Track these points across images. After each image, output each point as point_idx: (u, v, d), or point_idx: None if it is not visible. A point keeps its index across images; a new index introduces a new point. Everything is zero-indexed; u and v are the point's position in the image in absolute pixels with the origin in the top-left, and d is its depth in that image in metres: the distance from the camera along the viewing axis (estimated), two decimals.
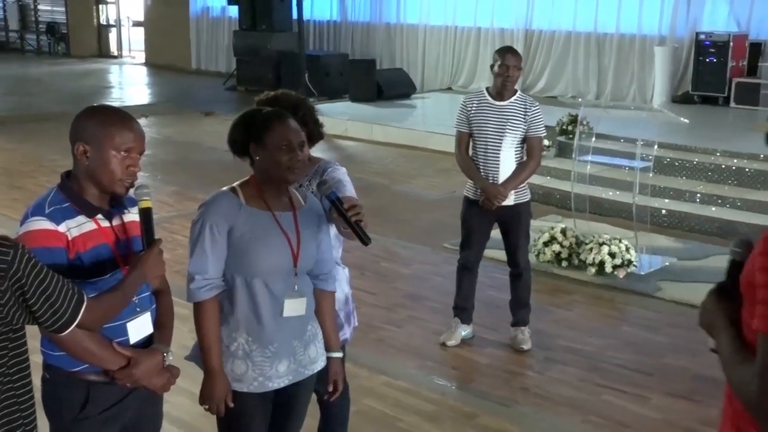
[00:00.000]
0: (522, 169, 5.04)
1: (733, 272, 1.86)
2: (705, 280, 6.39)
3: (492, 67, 5.09)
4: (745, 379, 1.66)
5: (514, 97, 5.06)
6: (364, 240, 2.86)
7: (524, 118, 5.03)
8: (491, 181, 5.04)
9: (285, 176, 2.76)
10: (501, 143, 5.02)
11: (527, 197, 5.21)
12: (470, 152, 5.17)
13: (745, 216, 7.78)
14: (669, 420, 4.44)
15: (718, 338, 1.79)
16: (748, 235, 6.96)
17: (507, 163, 5.03)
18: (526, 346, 5.24)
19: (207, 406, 2.82)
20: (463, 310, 5.37)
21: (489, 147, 5.05)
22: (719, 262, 6.85)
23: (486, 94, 5.14)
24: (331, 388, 3.06)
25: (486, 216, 5.13)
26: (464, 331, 5.38)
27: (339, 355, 3.07)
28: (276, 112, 2.85)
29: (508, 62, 4.97)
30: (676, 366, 5.06)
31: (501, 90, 5.05)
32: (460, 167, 5.31)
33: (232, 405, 2.80)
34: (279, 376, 2.86)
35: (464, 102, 5.25)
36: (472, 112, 5.11)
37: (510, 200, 5.05)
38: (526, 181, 5.13)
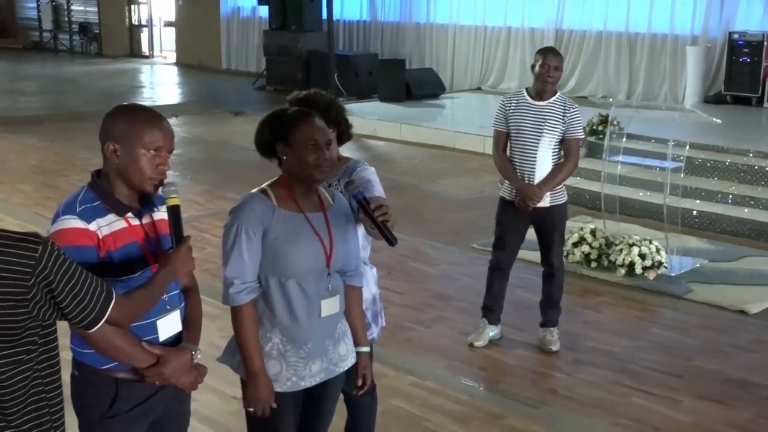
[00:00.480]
0: (559, 170, 5.02)
1: None
2: (737, 282, 6.34)
3: (533, 67, 5.06)
4: None
5: (554, 98, 5.04)
6: (391, 240, 2.86)
7: (563, 119, 5.00)
8: (527, 182, 5.02)
9: (313, 175, 2.76)
10: (538, 143, 4.99)
11: (564, 199, 5.18)
12: (507, 152, 5.16)
13: None
14: (699, 423, 4.40)
15: None
16: None
17: (544, 163, 5.01)
18: (555, 348, 5.22)
19: (252, 409, 2.81)
20: (491, 311, 5.35)
21: (526, 147, 5.03)
22: (751, 264, 6.79)
23: (525, 94, 5.12)
24: (360, 382, 3.06)
25: (521, 217, 5.11)
26: (492, 332, 5.36)
27: (367, 349, 3.07)
28: (301, 111, 2.85)
29: (550, 62, 4.95)
30: (706, 369, 5.02)
31: (541, 90, 5.03)
32: (497, 167, 5.31)
33: (275, 406, 2.80)
34: (312, 375, 2.86)
35: (503, 101, 5.25)
36: (511, 111, 5.11)
37: (546, 202, 5.03)
38: (562, 183, 5.11)
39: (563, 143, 5.04)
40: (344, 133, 3.31)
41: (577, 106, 5.16)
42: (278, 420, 2.88)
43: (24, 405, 2.02)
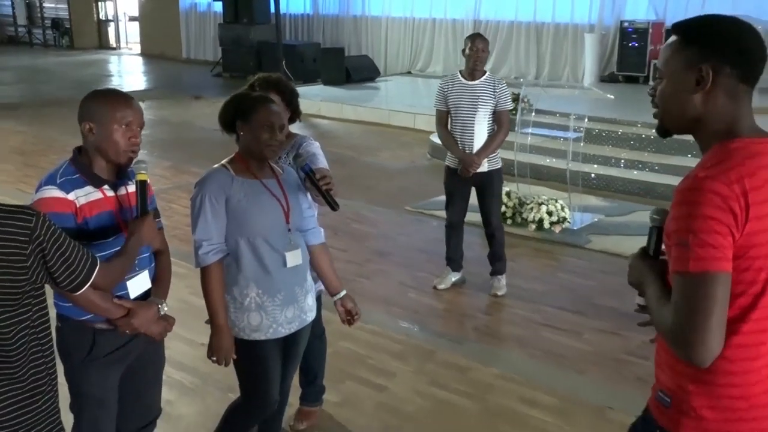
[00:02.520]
0: (492, 139, 5.07)
1: (652, 237, 1.88)
2: (629, 233, 6.50)
3: (464, 51, 5.11)
4: (665, 314, 1.67)
5: (484, 77, 5.09)
6: (333, 206, 2.94)
7: (493, 95, 5.05)
8: (468, 151, 5.06)
9: (263, 152, 2.77)
10: (474, 117, 5.04)
11: (499, 165, 5.23)
12: (449, 127, 5.19)
13: (663, 178, 7.89)
14: (598, 351, 4.52)
15: (647, 290, 1.80)
16: (665, 195, 7.09)
17: (480, 134, 5.06)
18: (501, 292, 5.31)
19: (215, 359, 2.79)
20: (453, 261, 5.45)
21: (464, 121, 5.08)
22: (641, 217, 6.97)
23: (459, 76, 5.14)
24: (350, 318, 3.10)
25: (464, 181, 5.17)
26: (455, 277, 5.46)
27: (344, 292, 3.08)
28: (262, 96, 2.87)
29: (477, 45, 5.01)
30: (604, 306, 5.13)
31: (472, 70, 5.07)
32: (441, 141, 5.36)
33: (235, 357, 2.81)
34: (288, 322, 2.87)
35: (441, 84, 5.27)
36: (448, 91, 5.14)
37: (484, 167, 5.09)
38: (497, 150, 5.16)
39: (495, 115, 5.09)
40: (296, 114, 3.35)
41: (504, 83, 5.21)
42: (268, 364, 2.89)
43: (25, 357, 2.00)
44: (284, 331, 2.86)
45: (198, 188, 2.75)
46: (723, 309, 1.60)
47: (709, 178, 1.60)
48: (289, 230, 2.83)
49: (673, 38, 1.76)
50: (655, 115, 1.82)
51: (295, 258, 2.83)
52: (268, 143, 2.74)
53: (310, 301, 2.97)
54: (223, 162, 2.82)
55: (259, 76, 3.33)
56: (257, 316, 2.80)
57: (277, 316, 2.83)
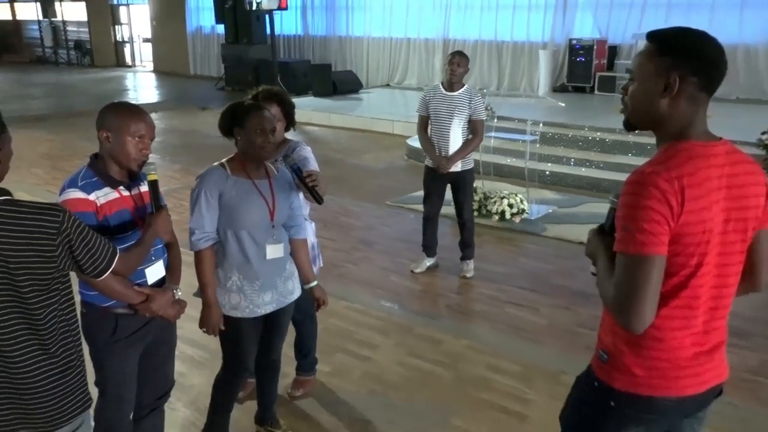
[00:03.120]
0: (466, 145, 5.03)
1: (609, 216, 1.88)
2: (578, 222, 6.53)
3: (445, 66, 5.09)
4: (608, 286, 1.71)
5: (462, 89, 5.04)
6: (318, 200, 2.96)
7: (469, 105, 5.01)
8: (443, 154, 5.03)
9: (259, 154, 2.74)
10: (450, 124, 5.01)
11: (471, 165, 5.20)
12: (429, 132, 5.16)
13: (607, 174, 7.93)
14: (553, 324, 4.54)
15: (598, 262, 1.82)
16: (613, 188, 7.12)
17: (455, 139, 5.03)
18: (470, 275, 5.32)
19: (205, 329, 2.81)
20: (428, 248, 5.44)
21: (442, 127, 5.04)
22: (589, 208, 7.01)
23: (441, 87, 5.10)
24: (318, 305, 3.09)
25: (440, 179, 5.15)
26: (429, 262, 5.46)
27: (316, 283, 3.07)
28: (254, 104, 2.83)
29: (453, 61, 4.97)
30: (558, 285, 5.16)
31: (449, 83, 5.03)
32: (420, 143, 5.33)
33: (223, 328, 2.81)
34: (265, 303, 2.86)
35: (424, 93, 5.23)
36: (429, 100, 5.11)
37: (458, 167, 5.08)
38: (470, 154, 5.12)
39: (470, 123, 5.06)
40: (291, 124, 3.32)
41: (480, 95, 5.17)
42: (242, 338, 2.90)
43: (56, 336, 2.00)
44: (261, 311, 2.85)
45: (198, 182, 2.74)
46: (657, 286, 1.63)
47: (653, 173, 1.62)
48: (273, 227, 2.80)
49: (648, 45, 1.74)
50: (622, 111, 1.82)
51: (275, 251, 2.82)
52: (261, 146, 2.72)
53: (290, 285, 2.95)
54: (222, 160, 2.80)
55: (264, 88, 3.30)
56: (237, 296, 2.80)
57: (254, 299, 2.82)
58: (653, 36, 1.73)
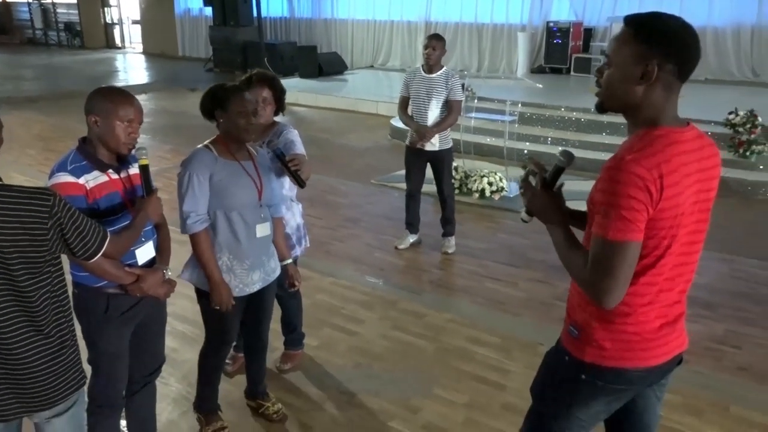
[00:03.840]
0: (444, 120, 5.03)
1: (555, 174, 1.89)
2: None
3: (423, 48, 5.08)
4: (577, 262, 1.72)
5: (440, 71, 5.03)
6: (300, 183, 2.96)
7: (446, 86, 5.00)
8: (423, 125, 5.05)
9: (242, 135, 2.70)
10: (429, 104, 5.01)
11: (449, 145, 5.20)
12: (409, 111, 5.14)
13: (583, 153, 7.91)
14: (531, 297, 4.56)
15: (554, 230, 1.83)
16: (589, 166, 7.14)
17: (433, 118, 5.04)
18: (451, 250, 5.32)
19: (218, 307, 2.76)
20: (411, 225, 5.44)
21: (421, 107, 5.05)
22: (565, 186, 7.01)
23: (421, 69, 5.10)
24: (290, 283, 3.07)
25: (420, 158, 5.14)
26: (412, 238, 5.45)
27: (290, 261, 3.07)
28: (235, 86, 2.77)
29: (429, 45, 4.98)
30: (536, 260, 5.18)
31: (427, 64, 5.02)
32: (401, 120, 5.32)
33: (234, 303, 2.76)
34: (253, 282, 2.84)
35: (406, 75, 5.25)
36: (410, 81, 5.12)
37: (436, 146, 5.07)
38: (448, 132, 5.11)
39: (447, 104, 5.04)
40: (281, 107, 3.30)
41: (457, 76, 5.16)
42: (228, 318, 2.87)
43: (49, 316, 1.98)
44: (249, 290, 2.83)
45: (185, 167, 2.68)
46: (631, 268, 1.65)
47: (633, 161, 1.60)
48: (261, 206, 2.77)
49: (625, 30, 1.67)
50: (597, 94, 1.78)
51: (264, 230, 2.80)
52: (245, 128, 2.68)
53: (273, 264, 2.93)
54: (206, 143, 2.75)
55: (258, 71, 3.25)
56: (227, 276, 2.77)
57: (244, 278, 2.79)
58: (631, 21, 1.67)
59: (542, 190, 1.88)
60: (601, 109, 1.78)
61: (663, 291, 1.75)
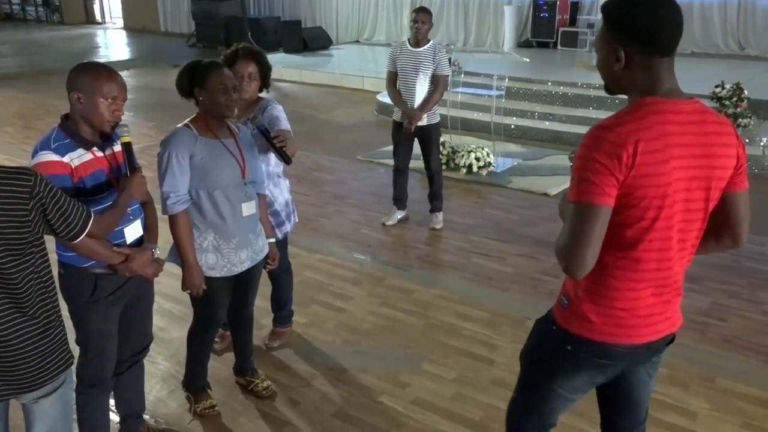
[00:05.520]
0: (429, 98, 4.99)
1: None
2: (542, 174, 6.56)
3: (410, 23, 5.04)
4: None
5: (427, 45, 4.99)
6: (286, 160, 2.93)
7: (433, 60, 4.97)
8: (410, 106, 5.01)
9: (223, 112, 2.66)
10: (416, 79, 4.97)
11: (437, 120, 5.16)
12: (397, 85, 5.10)
13: (569, 128, 7.95)
14: (519, 273, 4.59)
15: (566, 220, 1.81)
16: (575, 141, 7.14)
17: (420, 93, 5.00)
18: (439, 226, 5.32)
19: (189, 291, 2.77)
20: (399, 200, 5.42)
21: (408, 81, 5.01)
22: (551, 161, 7.03)
23: (407, 44, 5.06)
24: (271, 261, 3.04)
25: (408, 133, 5.11)
26: (400, 215, 5.44)
27: (273, 240, 3.04)
28: (213, 62, 2.71)
29: (417, 18, 4.93)
30: (523, 235, 5.20)
31: (415, 39, 4.97)
32: (389, 97, 5.29)
33: (205, 288, 2.76)
34: (241, 262, 2.82)
35: (392, 49, 5.20)
36: (397, 56, 5.07)
37: (424, 122, 5.04)
38: (435, 108, 5.08)
39: (434, 78, 5.00)
40: (266, 84, 3.25)
41: (444, 51, 5.11)
42: (216, 297, 2.87)
43: (34, 298, 1.96)
44: (237, 270, 2.81)
45: (164, 146, 2.64)
46: (599, 234, 1.63)
47: (606, 127, 1.62)
48: (245, 184, 2.74)
49: (602, 19, 1.72)
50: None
51: (249, 208, 2.77)
52: (226, 104, 2.63)
53: (261, 242, 2.91)
54: (186, 122, 2.71)
55: (244, 45, 3.21)
56: (213, 256, 2.75)
57: (231, 257, 2.77)
58: (602, 9, 1.72)
59: (562, 200, 1.86)
60: (607, 91, 1.81)
61: (655, 269, 1.73)
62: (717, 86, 7.41)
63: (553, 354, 1.87)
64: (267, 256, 3.00)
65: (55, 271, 2.13)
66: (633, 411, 2.02)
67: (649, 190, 1.62)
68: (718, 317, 3.94)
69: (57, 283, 2.16)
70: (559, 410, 2.00)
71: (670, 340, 1.89)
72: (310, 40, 14.54)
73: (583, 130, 7.65)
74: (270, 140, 2.85)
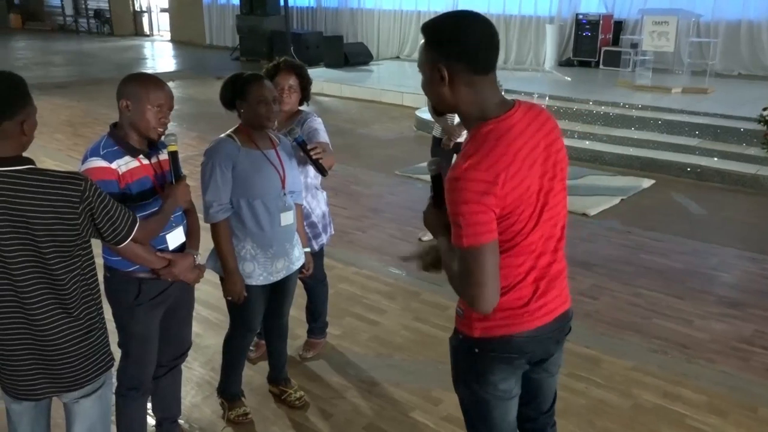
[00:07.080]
0: None
1: (435, 184, 1.94)
2: (581, 194, 6.46)
3: None
4: (452, 266, 1.73)
5: None
6: (322, 172, 2.97)
7: None
8: (450, 123, 5.01)
9: (263, 123, 2.72)
10: None
11: None
12: None
13: (609, 147, 7.85)
14: None
15: (439, 239, 1.86)
16: (615, 161, 7.03)
17: None
18: None
19: (230, 297, 2.82)
20: None
21: None
22: (591, 180, 6.95)
23: None
24: (306, 270, 3.08)
25: (447, 149, 5.10)
26: None
27: (308, 250, 3.09)
28: (255, 74, 2.78)
29: None
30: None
31: None
32: (431, 115, 5.28)
33: (246, 295, 2.80)
34: (277, 271, 2.86)
35: None
36: None
37: (463, 137, 5.04)
38: None
39: None
40: (306, 97, 3.31)
41: None
42: (252, 305, 2.90)
43: (79, 299, 2.02)
44: (273, 278, 2.85)
45: (208, 156, 2.70)
46: (494, 269, 1.67)
47: (470, 168, 1.63)
48: (284, 194, 2.79)
49: (423, 38, 1.74)
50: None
51: (288, 218, 2.81)
52: (266, 116, 2.69)
53: (297, 252, 2.95)
54: (229, 132, 2.77)
55: (285, 59, 3.28)
56: (251, 264, 2.79)
57: (268, 266, 2.81)
58: (422, 29, 1.73)
59: (430, 209, 1.92)
60: (436, 112, 1.84)
61: (536, 258, 1.79)
62: (765, 109, 7.24)
63: (468, 364, 1.92)
64: (302, 265, 3.03)
65: (100, 275, 2.20)
66: (540, 403, 2.10)
67: (521, 203, 1.69)
68: (761, 345, 3.83)
69: (102, 287, 2.22)
70: (509, 413, 2.01)
71: (568, 318, 1.97)
72: (351, 56, 14.71)
73: (624, 150, 7.60)
74: (307, 152, 2.89)
